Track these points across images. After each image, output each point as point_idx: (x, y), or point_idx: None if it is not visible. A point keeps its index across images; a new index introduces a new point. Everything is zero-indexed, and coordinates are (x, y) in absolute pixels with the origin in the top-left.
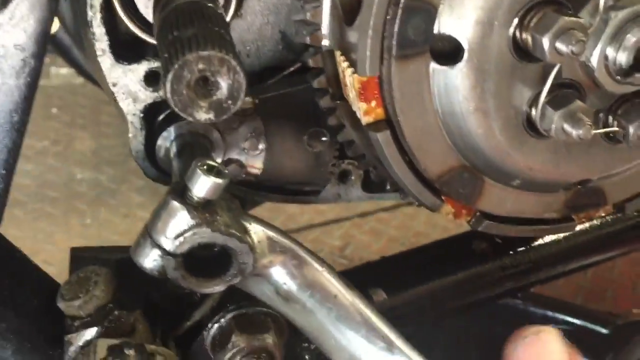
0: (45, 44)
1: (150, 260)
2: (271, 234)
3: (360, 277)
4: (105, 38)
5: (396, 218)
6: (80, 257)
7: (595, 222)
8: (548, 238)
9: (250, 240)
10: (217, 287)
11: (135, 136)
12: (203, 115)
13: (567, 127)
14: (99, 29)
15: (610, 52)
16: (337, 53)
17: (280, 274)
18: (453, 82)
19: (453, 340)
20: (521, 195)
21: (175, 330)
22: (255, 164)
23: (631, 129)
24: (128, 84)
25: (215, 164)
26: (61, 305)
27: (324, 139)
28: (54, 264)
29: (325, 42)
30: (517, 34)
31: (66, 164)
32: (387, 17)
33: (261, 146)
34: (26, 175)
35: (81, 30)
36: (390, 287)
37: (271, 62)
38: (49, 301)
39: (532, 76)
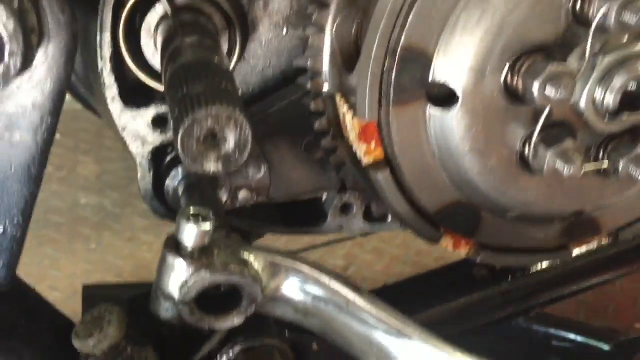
0: (62, 102)
1: (165, 311)
2: (272, 258)
3: None
4: (115, 85)
5: (398, 237)
6: (92, 295)
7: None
8: (545, 263)
9: (252, 271)
10: (235, 320)
11: (144, 177)
12: (212, 166)
13: (558, 164)
14: (109, 78)
15: (598, 94)
16: (338, 96)
17: (291, 293)
18: (448, 125)
19: None
20: (517, 227)
21: None
22: (263, 184)
23: (621, 164)
24: (137, 127)
25: (200, 210)
26: (76, 344)
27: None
28: (60, 289)
29: (326, 87)
30: (509, 79)
31: (70, 189)
32: (385, 67)
33: (263, 167)
34: None
35: (91, 77)
36: None
37: None
38: (63, 339)
39: (524, 117)
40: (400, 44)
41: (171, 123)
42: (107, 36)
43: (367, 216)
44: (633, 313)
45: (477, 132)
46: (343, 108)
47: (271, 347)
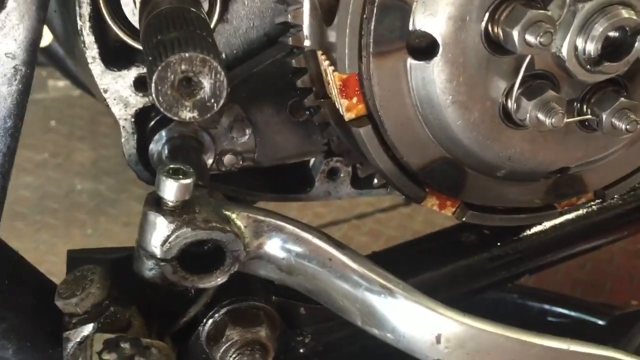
0: (36, 52)
1: (148, 270)
2: (255, 216)
3: None
4: (95, 46)
5: (394, 219)
6: (76, 258)
7: (580, 211)
8: (535, 228)
9: (234, 228)
10: (219, 279)
11: (128, 140)
12: (188, 114)
13: (540, 116)
14: (88, 38)
15: (579, 42)
16: (319, 53)
17: (275, 251)
18: (430, 76)
19: None
20: (503, 185)
21: (171, 326)
22: (249, 148)
23: (604, 117)
24: (119, 89)
25: (179, 166)
26: (59, 303)
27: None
28: (57, 274)
29: (307, 43)
30: (489, 28)
31: (66, 175)
32: (364, 16)
33: (248, 130)
34: (26, 188)
35: (72, 39)
36: None
37: None
38: (47, 301)
39: (506, 68)
40: None
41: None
42: None
43: (355, 182)
44: (629, 290)
45: (458, 83)
46: (324, 64)
47: (257, 309)
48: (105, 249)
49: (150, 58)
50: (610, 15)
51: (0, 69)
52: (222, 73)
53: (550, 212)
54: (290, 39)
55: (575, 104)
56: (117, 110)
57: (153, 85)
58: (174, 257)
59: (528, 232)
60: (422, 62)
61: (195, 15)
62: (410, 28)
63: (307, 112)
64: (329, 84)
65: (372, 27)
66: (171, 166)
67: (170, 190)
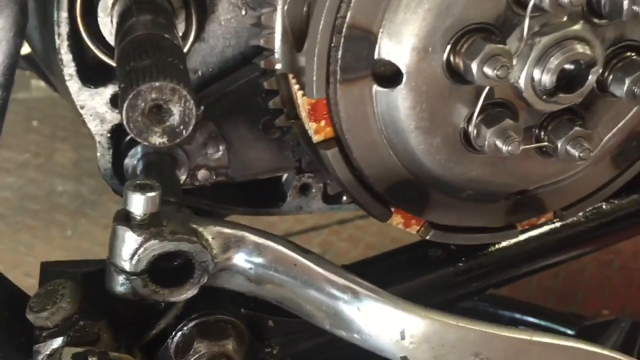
0: (12, 76)
1: (119, 285)
2: (221, 228)
3: None
4: (73, 64)
5: (373, 225)
6: (49, 271)
7: (544, 228)
8: (500, 245)
9: (202, 240)
10: (189, 292)
11: (103, 155)
12: (157, 139)
13: (498, 143)
14: (66, 56)
15: (536, 74)
16: (290, 76)
17: (242, 262)
18: (394, 103)
19: None
20: (465, 206)
21: (140, 339)
22: (222, 164)
23: (559, 144)
24: (95, 106)
25: (146, 181)
26: (30, 316)
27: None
28: (35, 276)
29: (278, 66)
30: (451, 58)
31: (47, 176)
32: (332, 45)
33: (222, 147)
34: (7, 188)
35: (50, 55)
36: None
37: None
38: (19, 313)
39: (467, 96)
40: (346, 23)
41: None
42: (64, 14)
43: (326, 197)
44: (601, 300)
45: (421, 110)
46: (294, 88)
47: (225, 322)
48: (78, 262)
49: (122, 85)
50: (566, 50)
51: None
52: (192, 101)
53: (510, 232)
54: (262, 61)
55: (533, 131)
56: (94, 126)
57: (124, 112)
58: (143, 270)
59: (493, 248)
60: (387, 89)
61: (168, 43)
62: (376, 57)
63: (280, 131)
64: (299, 106)
65: (340, 56)
66: (138, 181)
67: (137, 203)
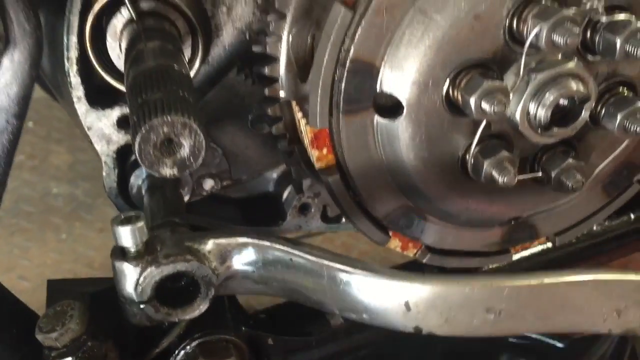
0: (27, 105)
1: (134, 316)
2: (216, 239)
3: None
4: (81, 87)
5: None
6: (56, 290)
7: (535, 249)
8: (492, 265)
9: (199, 256)
10: (201, 307)
11: (109, 175)
12: (168, 170)
13: (494, 174)
14: (75, 79)
15: (532, 108)
16: (293, 103)
17: (243, 267)
18: (395, 133)
19: (416, 355)
20: (461, 231)
21: (145, 357)
22: (223, 169)
23: (553, 175)
24: (102, 127)
25: (130, 214)
26: (39, 337)
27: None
28: (29, 279)
29: (282, 94)
30: (450, 92)
31: (42, 178)
32: (335, 77)
33: (217, 153)
34: None
35: (59, 77)
36: None
37: None
38: (28, 332)
39: (465, 128)
40: (350, 57)
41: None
42: (74, 39)
43: (325, 217)
44: None
45: (421, 140)
46: (298, 115)
47: (227, 342)
48: (84, 280)
49: (134, 118)
50: (561, 86)
51: None
52: (202, 135)
53: (504, 256)
54: (267, 89)
55: (528, 161)
56: (100, 146)
57: (137, 145)
58: (150, 297)
59: (486, 268)
60: (387, 120)
61: (178, 73)
62: (378, 89)
63: (282, 156)
64: (301, 132)
65: (343, 88)
66: (122, 215)
67: (126, 236)
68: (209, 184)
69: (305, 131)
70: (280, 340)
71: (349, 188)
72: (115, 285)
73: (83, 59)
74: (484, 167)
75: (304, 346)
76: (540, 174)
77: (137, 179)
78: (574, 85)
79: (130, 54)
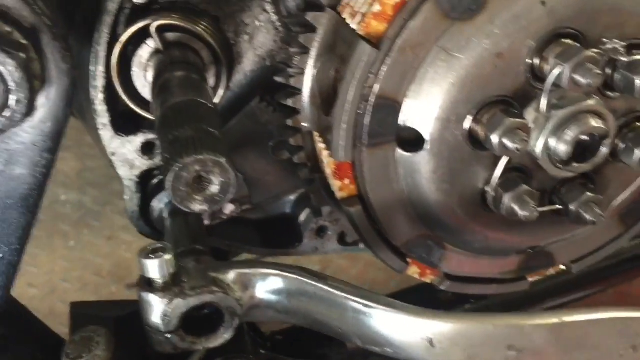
0: (60, 141)
1: (160, 344)
2: (240, 270)
3: None
4: (107, 115)
5: None
6: (80, 314)
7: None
8: None
9: (224, 286)
10: (225, 335)
11: (132, 199)
12: (198, 206)
13: (515, 207)
14: (101, 107)
15: (552, 143)
16: (315, 134)
17: (267, 297)
18: (417, 167)
19: None
20: (479, 259)
21: None
22: (243, 194)
23: (572, 207)
24: (126, 153)
25: (157, 245)
26: None
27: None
28: (38, 286)
29: (305, 125)
30: (472, 128)
31: (50, 185)
32: (359, 112)
33: (239, 179)
34: None
35: (84, 103)
36: None
37: None
38: (53, 356)
39: (486, 161)
40: (374, 93)
41: (159, 156)
42: (101, 69)
43: (341, 240)
44: None
45: (443, 174)
46: (320, 145)
47: None
48: (107, 303)
49: (166, 155)
50: (581, 123)
51: (27, 155)
52: (231, 171)
53: (521, 282)
54: (290, 120)
55: (547, 192)
56: (123, 171)
57: (169, 182)
58: (177, 327)
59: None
60: (410, 154)
61: (205, 109)
62: (400, 124)
63: (303, 184)
64: (323, 162)
65: (367, 122)
66: (150, 247)
67: (154, 269)
68: (229, 209)
69: (328, 162)
70: None
71: (369, 217)
72: (142, 315)
73: (108, 87)
74: (505, 200)
75: None
76: (559, 206)
77: (159, 203)
78: (594, 122)
79: (157, 84)
